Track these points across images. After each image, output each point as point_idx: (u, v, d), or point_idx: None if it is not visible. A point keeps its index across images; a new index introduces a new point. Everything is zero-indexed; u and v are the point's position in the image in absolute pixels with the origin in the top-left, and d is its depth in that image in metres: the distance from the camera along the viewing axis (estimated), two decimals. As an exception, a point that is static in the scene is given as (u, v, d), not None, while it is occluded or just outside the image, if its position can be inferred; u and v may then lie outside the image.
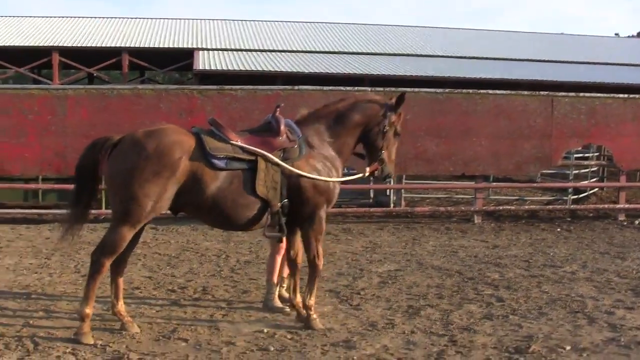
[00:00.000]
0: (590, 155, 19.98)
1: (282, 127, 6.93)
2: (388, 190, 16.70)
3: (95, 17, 40.57)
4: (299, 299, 7.22)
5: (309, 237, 7.01)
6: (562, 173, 19.50)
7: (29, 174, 14.74)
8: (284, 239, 7.21)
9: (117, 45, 34.67)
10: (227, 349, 6.32)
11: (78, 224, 6.81)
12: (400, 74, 31.25)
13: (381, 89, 14.31)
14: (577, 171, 19.03)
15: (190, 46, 35.18)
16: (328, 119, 7.25)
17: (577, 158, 19.10)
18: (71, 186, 7.09)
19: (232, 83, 19.91)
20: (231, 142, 6.68)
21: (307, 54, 35.63)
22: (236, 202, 6.59)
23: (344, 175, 7.55)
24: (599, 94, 16.17)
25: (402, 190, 16.63)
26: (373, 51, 37.12)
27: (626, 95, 16.04)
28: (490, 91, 15.96)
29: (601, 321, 7.35)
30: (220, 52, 34.67)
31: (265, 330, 6.88)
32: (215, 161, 6.52)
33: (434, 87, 18.67)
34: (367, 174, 7.43)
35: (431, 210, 15.92)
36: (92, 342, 6.29)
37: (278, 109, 7.14)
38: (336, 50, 36.87)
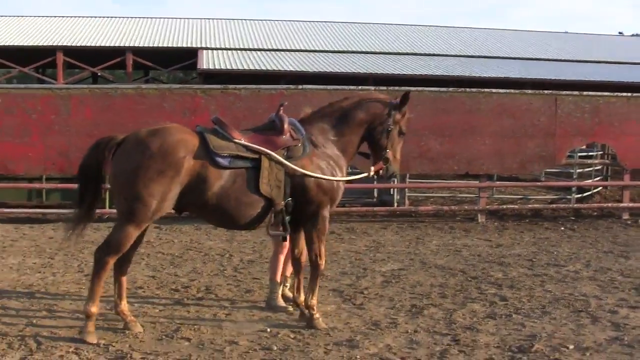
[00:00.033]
0: (594, 154, 19.96)
1: (286, 126, 6.93)
2: (392, 190, 16.68)
3: (100, 17, 40.66)
4: (302, 298, 7.22)
5: (312, 236, 7.00)
6: (566, 172, 19.46)
7: (32, 174, 14.74)
8: (288, 238, 7.23)
9: (121, 44, 34.74)
10: (230, 348, 6.32)
11: (83, 224, 6.81)
12: (405, 73, 31.24)
13: (385, 88, 14.29)
14: (581, 170, 19.00)
15: (194, 45, 35.23)
16: (332, 117, 7.24)
17: (581, 157, 19.06)
18: (75, 186, 7.10)
19: (236, 82, 19.97)
20: (235, 140, 6.68)
21: (311, 53, 35.64)
22: (240, 200, 6.59)
23: (348, 174, 7.56)
24: (602, 93, 16.13)
25: (406, 190, 16.61)
26: (377, 50, 37.10)
27: (630, 94, 15.99)
28: (494, 90, 15.96)
29: (604, 320, 7.34)
30: (224, 51, 34.72)
31: (269, 330, 6.88)
32: (219, 159, 6.52)
33: (438, 86, 18.69)
34: (371, 173, 7.42)
35: (435, 209, 15.91)
36: (95, 341, 6.29)
37: (282, 108, 7.14)
38: (340, 49, 36.88)
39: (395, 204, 16.43)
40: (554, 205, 16.82)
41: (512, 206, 16.37)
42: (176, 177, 6.32)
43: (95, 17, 40.56)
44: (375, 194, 17.43)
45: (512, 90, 16.30)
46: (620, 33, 52.38)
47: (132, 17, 41.30)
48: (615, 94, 16.05)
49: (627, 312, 7.67)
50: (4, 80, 40.01)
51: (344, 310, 7.71)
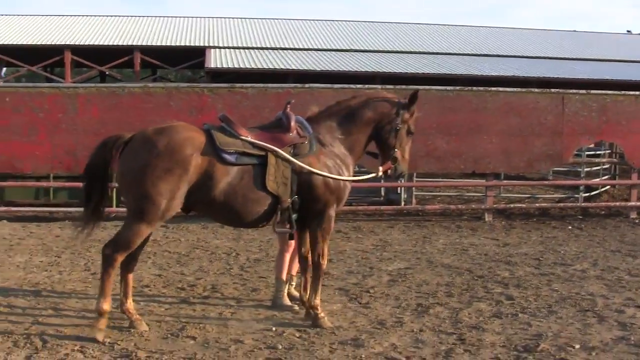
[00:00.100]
0: (602, 152, 19.89)
1: (293, 123, 6.94)
2: (399, 188, 16.67)
3: (108, 16, 40.73)
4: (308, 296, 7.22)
5: (316, 235, 6.99)
6: (574, 170, 19.41)
7: (39, 172, 14.78)
8: (295, 237, 7.23)
9: (129, 43, 34.81)
10: (235, 347, 6.32)
11: (92, 223, 6.83)
12: (412, 71, 31.20)
13: (392, 86, 14.28)
14: (588, 169, 18.94)
15: (202, 44, 35.28)
16: (339, 115, 7.24)
17: (588, 155, 19.00)
18: (82, 184, 7.10)
19: (243, 81, 20.00)
20: (241, 137, 6.69)
21: (318, 51, 35.66)
22: (247, 197, 6.60)
23: (356, 174, 7.54)
24: (610, 91, 16.09)
25: (413, 188, 16.59)
26: (384, 49, 37.08)
27: (638, 93, 15.91)
28: (501, 89, 15.93)
29: (611, 320, 7.31)
30: (231, 50, 34.76)
31: (274, 329, 6.88)
32: (225, 156, 6.53)
33: (445, 84, 18.66)
34: (380, 173, 7.40)
35: (442, 208, 15.90)
36: (102, 339, 6.30)
37: (289, 106, 7.14)
38: (347, 48, 36.86)
39: (403, 203, 16.42)
40: (562, 204, 16.79)
41: (520, 205, 16.35)
42: (184, 175, 6.33)
43: (103, 16, 40.64)
44: (383, 193, 17.41)
45: (519, 89, 16.26)
46: (628, 32, 52.08)
47: (140, 16, 41.37)
48: (623, 92, 15.99)
49: (634, 311, 7.64)
50: (12, 79, 40.22)
51: (349, 309, 7.71)
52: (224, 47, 34.96)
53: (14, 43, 33.93)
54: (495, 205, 15.55)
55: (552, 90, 15.88)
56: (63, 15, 40.23)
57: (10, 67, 41.23)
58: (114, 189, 11.53)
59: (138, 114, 13.55)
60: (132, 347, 6.23)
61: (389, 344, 6.46)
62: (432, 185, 17.50)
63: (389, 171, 7.36)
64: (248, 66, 31.21)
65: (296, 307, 7.57)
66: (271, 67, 31.23)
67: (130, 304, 6.83)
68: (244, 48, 35.42)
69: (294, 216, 6.85)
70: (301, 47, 36.40)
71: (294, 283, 8.09)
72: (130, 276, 6.91)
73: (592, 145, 18.82)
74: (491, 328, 6.99)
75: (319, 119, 7.20)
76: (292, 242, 7.55)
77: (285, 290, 7.84)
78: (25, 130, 13.76)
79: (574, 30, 49.11)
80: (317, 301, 7.04)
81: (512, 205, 16.15)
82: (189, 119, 11.05)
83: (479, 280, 9.19)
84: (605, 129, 15.40)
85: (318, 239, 6.99)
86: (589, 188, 18.06)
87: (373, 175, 7.56)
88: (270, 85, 14.99)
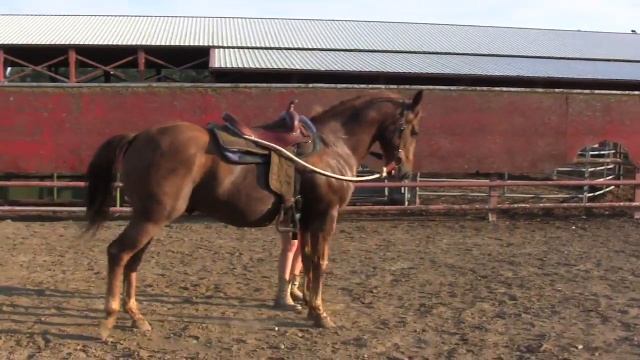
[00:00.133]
0: (606, 152, 19.85)
1: (296, 123, 6.93)
2: (402, 188, 16.67)
3: (112, 15, 40.80)
4: (311, 295, 7.22)
5: (317, 236, 6.98)
6: (578, 170, 19.38)
7: (43, 171, 14.78)
8: (298, 236, 7.23)
9: (134, 43, 34.87)
10: (238, 346, 6.32)
11: (97, 223, 6.84)
12: (416, 71, 31.19)
13: (396, 86, 14.28)
14: (592, 169, 18.91)
15: (206, 44, 35.33)
16: (343, 115, 7.23)
17: (592, 155, 18.98)
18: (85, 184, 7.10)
19: (247, 81, 20.01)
20: (244, 136, 6.69)
21: (322, 51, 35.68)
22: (250, 196, 6.60)
23: (360, 174, 7.53)
24: (614, 91, 16.05)
25: (417, 188, 16.58)
26: (388, 49, 37.07)
27: (642, 92, 15.91)
28: (505, 88, 15.89)
29: (614, 320, 7.30)
30: (236, 50, 34.80)
31: (277, 328, 6.88)
32: (229, 154, 6.53)
33: (448, 84, 18.64)
34: (384, 174, 7.39)
35: (445, 208, 15.89)
36: (104, 338, 6.31)
37: (292, 105, 7.13)
38: (351, 47, 36.87)
39: (406, 203, 16.42)
40: (566, 204, 16.77)
41: (523, 205, 16.33)
42: (188, 175, 6.33)
43: (107, 16, 40.71)
44: (386, 193, 17.41)
45: (523, 89, 16.24)
46: (633, 31, 51.94)
47: (144, 16, 41.43)
48: (627, 92, 15.95)
49: (638, 312, 7.62)
50: (17, 79, 40.27)
51: (352, 309, 7.70)
52: (228, 47, 35.00)
53: (19, 43, 34.02)
54: (499, 205, 15.55)
55: (556, 90, 15.86)
56: (67, 15, 40.30)
57: (15, 66, 41.33)
58: (118, 189, 11.54)
59: (142, 113, 13.57)
60: (135, 346, 6.23)
61: (391, 343, 6.45)
62: (436, 185, 17.50)
63: (393, 172, 7.35)
64: (252, 66, 31.24)
65: (299, 307, 7.56)
66: (275, 67, 31.25)
67: (133, 303, 6.83)
68: (247, 48, 35.46)
69: (297, 215, 6.85)
70: (305, 47, 36.42)
71: (297, 283, 8.08)
72: (134, 275, 6.91)
73: (596, 145, 18.80)
74: (494, 328, 6.98)
75: (323, 119, 7.19)
76: (295, 242, 7.55)
77: (288, 290, 7.83)
78: (30, 130, 13.78)
79: (579, 30, 49.02)
80: (318, 302, 7.03)
81: (515, 205, 16.14)
82: (193, 119, 11.09)
83: (482, 280, 9.18)
84: (609, 129, 15.38)
85: (319, 240, 6.98)
86: (593, 188, 18.02)
87: (377, 175, 7.54)
88: (273, 85, 14.99)
